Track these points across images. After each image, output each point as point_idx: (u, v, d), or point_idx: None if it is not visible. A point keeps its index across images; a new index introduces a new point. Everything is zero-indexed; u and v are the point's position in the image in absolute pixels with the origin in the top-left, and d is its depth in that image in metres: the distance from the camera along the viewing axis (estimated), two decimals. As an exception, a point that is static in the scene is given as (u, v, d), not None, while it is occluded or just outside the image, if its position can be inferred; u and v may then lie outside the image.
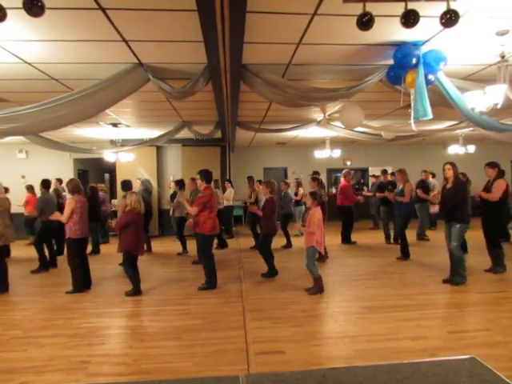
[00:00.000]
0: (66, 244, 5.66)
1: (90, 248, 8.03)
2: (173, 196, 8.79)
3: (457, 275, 5.36)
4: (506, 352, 3.36)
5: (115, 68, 4.15)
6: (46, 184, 7.25)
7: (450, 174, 5.41)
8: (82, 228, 5.52)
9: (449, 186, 5.49)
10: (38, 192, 7.68)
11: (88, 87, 3.89)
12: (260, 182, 9.69)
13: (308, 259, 5.15)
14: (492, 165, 5.94)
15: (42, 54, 3.89)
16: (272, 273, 6.07)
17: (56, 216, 5.60)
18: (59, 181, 9.42)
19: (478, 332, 3.86)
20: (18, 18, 2.95)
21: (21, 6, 2.24)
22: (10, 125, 3.88)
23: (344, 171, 9.23)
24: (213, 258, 5.63)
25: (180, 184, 7.95)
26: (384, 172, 10.27)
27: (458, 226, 5.29)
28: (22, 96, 5.42)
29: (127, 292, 5.32)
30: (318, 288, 5.12)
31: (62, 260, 5.68)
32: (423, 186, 8.33)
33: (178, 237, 8.29)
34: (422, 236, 9.11)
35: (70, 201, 5.48)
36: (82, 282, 5.55)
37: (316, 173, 9.74)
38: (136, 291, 5.32)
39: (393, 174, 9.76)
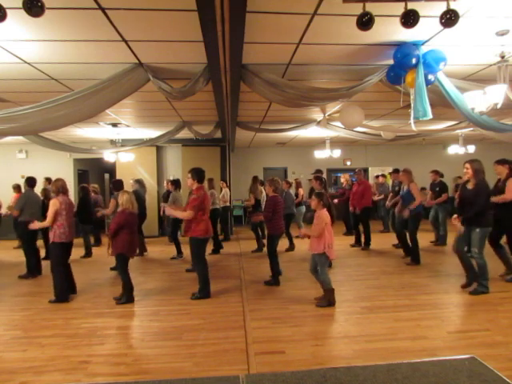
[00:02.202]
0: (50, 249, 5.27)
1: (83, 251, 8.03)
2: (165, 196, 8.61)
3: (480, 286, 4.95)
4: (505, 352, 3.35)
5: (115, 68, 4.15)
6: (30, 182, 6.72)
7: (468, 174, 4.92)
8: (68, 232, 5.08)
9: (470, 186, 4.99)
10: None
11: (88, 87, 3.88)
12: (262, 182, 9.40)
13: (321, 267, 4.70)
14: (502, 162, 5.44)
15: (41, 53, 3.89)
16: (275, 282, 5.67)
17: (35, 225, 5.26)
18: (48, 180, 8.62)
19: (477, 332, 3.85)
20: (17, 18, 2.95)
21: (21, 5, 2.25)
22: (10, 125, 3.87)
23: (356, 170, 8.92)
24: (206, 265, 5.30)
25: (176, 184, 7.73)
26: (395, 171, 8.86)
27: (478, 230, 4.84)
28: (22, 96, 5.42)
29: (118, 300, 4.99)
30: (329, 301, 4.67)
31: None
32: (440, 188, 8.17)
33: (172, 239, 7.91)
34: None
35: (53, 201, 5.03)
36: (67, 289, 5.16)
37: (319, 171, 9.56)
38: (128, 299, 4.98)
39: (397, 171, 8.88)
